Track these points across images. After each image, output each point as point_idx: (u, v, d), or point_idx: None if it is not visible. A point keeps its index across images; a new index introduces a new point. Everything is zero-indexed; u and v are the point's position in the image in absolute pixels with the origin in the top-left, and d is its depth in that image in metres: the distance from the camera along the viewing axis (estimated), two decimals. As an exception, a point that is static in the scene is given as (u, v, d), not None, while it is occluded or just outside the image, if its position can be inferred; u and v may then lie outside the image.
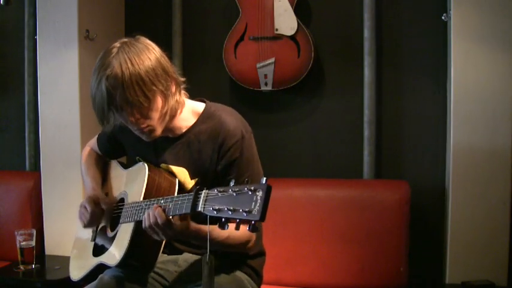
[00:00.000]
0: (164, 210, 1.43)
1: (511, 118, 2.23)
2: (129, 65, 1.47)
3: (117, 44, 1.53)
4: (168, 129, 1.64)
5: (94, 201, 1.72)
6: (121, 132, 1.78)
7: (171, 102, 1.56)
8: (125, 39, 1.56)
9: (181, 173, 1.65)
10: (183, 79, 1.62)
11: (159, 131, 1.58)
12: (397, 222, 2.34)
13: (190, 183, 1.64)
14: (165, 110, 1.55)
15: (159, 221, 1.42)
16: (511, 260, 2.25)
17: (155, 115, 1.53)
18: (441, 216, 2.47)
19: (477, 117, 2.25)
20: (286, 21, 2.55)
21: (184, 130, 1.66)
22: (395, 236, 2.33)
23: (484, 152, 2.25)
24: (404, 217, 2.34)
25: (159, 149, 1.69)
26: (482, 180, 2.26)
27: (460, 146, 2.27)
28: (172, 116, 1.60)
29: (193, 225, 1.48)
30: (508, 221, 2.25)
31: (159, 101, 1.52)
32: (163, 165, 1.67)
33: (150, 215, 1.44)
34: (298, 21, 2.55)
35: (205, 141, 1.63)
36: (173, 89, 1.57)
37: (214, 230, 1.47)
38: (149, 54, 1.52)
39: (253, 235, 1.63)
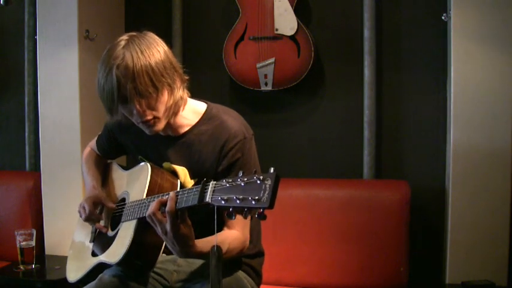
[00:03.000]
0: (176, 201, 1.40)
1: (511, 118, 2.23)
2: (140, 55, 1.49)
3: (125, 37, 1.54)
4: (170, 126, 1.65)
5: (93, 202, 1.72)
6: (121, 132, 1.78)
7: (176, 96, 1.57)
8: (133, 33, 1.57)
9: (182, 172, 1.65)
10: (186, 77, 1.63)
11: (162, 124, 1.58)
12: (397, 222, 2.34)
13: (190, 182, 1.64)
14: (170, 103, 1.56)
15: (167, 207, 1.38)
16: (511, 260, 2.26)
17: (161, 107, 1.54)
18: (441, 216, 2.47)
19: (477, 117, 2.25)
20: (286, 21, 2.55)
21: (185, 129, 1.67)
22: (395, 236, 2.33)
23: (484, 152, 2.25)
24: (404, 217, 2.34)
25: (161, 147, 1.69)
26: (482, 180, 2.26)
27: (460, 146, 2.27)
28: (176, 112, 1.61)
29: (197, 240, 1.45)
30: (508, 221, 2.25)
31: (165, 93, 1.54)
32: (165, 163, 1.67)
33: (155, 203, 1.41)
34: (298, 21, 2.55)
35: (206, 143, 1.63)
36: (178, 84, 1.58)
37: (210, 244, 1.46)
38: (158, 48, 1.54)
39: (247, 239, 1.63)
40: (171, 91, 1.55)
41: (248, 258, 1.74)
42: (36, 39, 2.78)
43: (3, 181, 2.94)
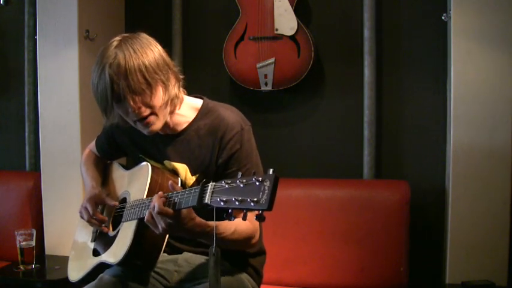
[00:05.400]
0: (167, 203, 1.42)
1: (511, 118, 2.23)
2: (132, 53, 1.50)
3: (118, 38, 1.56)
4: (168, 125, 1.65)
5: (95, 202, 1.72)
6: (120, 132, 1.78)
7: (171, 93, 1.58)
8: (126, 34, 1.58)
9: (182, 170, 1.66)
10: (182, 76, 1.63)
11: (160, 122, 1.58)
12: (397, 222, 2.34)
13: (191, 179, 1.65)
14: (165, 101, 1.56)
15: (162, 211, 1.40)
16: (511, 260, 2.26)
17: (156, 104, 1.54)
18: (441, 216, 2.47)
19: (477, 117, 2.25)
20: (286, 21, 2.55)
21: (183, 126, 1.67)
22: (395, 236, 2.33)
23: (484, 152, 2.25)
24: (404, 217, 2.34)
25: (160, 146, 1.70)
26: (482, 180, 2.26)
27: (460, 146, 2.27)
28: (172, 110, 1.61)
29: (199, 219, 1.47)
30: (508, 221, 2.25)
31: (160, 90, 1.54)
32: (166, 161, 1.68)
33: (152, 204, 1.43)
34: (298, 21, 2.55)
35: (204, 137, 1.64)
36: (173, 81, 1.58)
37: (220, 224, 1.48)
38: (151, 47, 1.55)
39: (257, 232, 1.63)
40: (166, 88, 1.55)
41: (249, 257, 1.74)
42: (36, 39, 2.78)
43: (3, 181, 2.93)
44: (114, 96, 1.51)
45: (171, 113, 1.61)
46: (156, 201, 1.41)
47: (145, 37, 1.57)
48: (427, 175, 2.57)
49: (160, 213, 1.40)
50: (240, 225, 1.54)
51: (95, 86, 1.54)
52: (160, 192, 1.44)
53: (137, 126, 1.59)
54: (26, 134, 3.09)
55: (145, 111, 1.54)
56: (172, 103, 1.59)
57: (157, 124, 1.58)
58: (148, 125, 1.57)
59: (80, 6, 2.59)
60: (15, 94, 3.15)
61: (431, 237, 2.54)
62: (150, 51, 1.53)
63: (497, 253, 2.24)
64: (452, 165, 2.29)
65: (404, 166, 2.62)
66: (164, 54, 1.58)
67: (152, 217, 1.43)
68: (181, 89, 1.64)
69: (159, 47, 1.58)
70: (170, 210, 1.40)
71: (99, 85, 1.52)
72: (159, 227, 1.43)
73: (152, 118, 1.56)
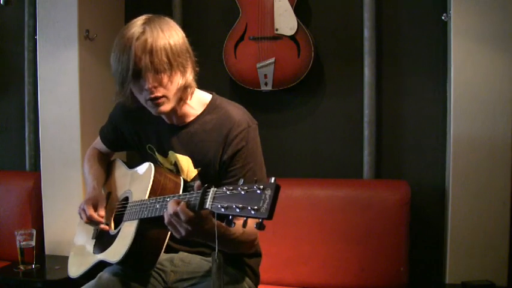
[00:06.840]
0: (188, 205, 1.38)
1: (511, 118, 2.23)
2: (160, 33, 1.52)
3: (144, 17, 1.59)
4: (176, 114, 1.65)
5: (93, 204, 1.72)
6: (126, 122, 1.77)
7: (188, 80, 1.59)
8: (151, 15, 1.60)
9: (185, 161, 1.66)
10: (197, 68, 1.64)
11: (170, 105, 1.58)
12: (397, 222, 2.34)
13: (193, 172, 1.66)
14: (181, 85, 1.57)
15: (183, 215, 1.37)
16: (511, 260, 2.26)
17: (172, 87, 1.55)
18: (441, 216, 2.47)
19: (477, 117, 2.25)
20: (286, 21, 2.55)
21: (190, 119, 1.68)
22: (395, 236, 2.33)
23: (484, 152, 2.25)
24: (404, 217, 2.34)
25: (165, 136, 1.70)
26: (482, 180, 2.26)
27: (460, 146, 2.28)
28: (184, 99, 1.62)
29: (215, 220, 1.45)
30: (508, 221, 2.25)
31: (178, 73, 1.56)
32: (170, 152, 1.68)
33: (171, 209, 1.39)
34: (298, 21, 2.55)
35: (210, 132, 1.64)
36: (190, 69, 1.60)
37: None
38: (177, 31, 1.58)
39: (257, 233, 1.64)
40: (184, 73, 1.57)
41: (246, 258, 1.74)
42: (36, 39, 2.78)
43: (3, 181, 2.94)
44: (135, 71, 1.51)
45: (183, 101, 1.62)
46: (178, 204, 1.38)
47: (171, 20, 1.60)
48: (427, 175, 2.57)
49: (183, 213, 1.37)
50: (249, 225, 1.54)
51: (117, 57, 1.54)
52: (176, 198, 1.43)
53: (147, 105, 1.59)
54: (26, 134, 3.09)
55: (160, 92, 1.54)
56: (186, 91, 1.60)
57: (167, 106, 1.57)
58: (158, 105, 1.56)
59: (80, 6, 2.59)
60: (15, 94, 3.15)
61: (432, 237, 2.54)
62: (176, 34, 1.56)
63: (497, 253, 2.25)
64: (452, 165, 2.29)
65: (404, 166, 2.62)
66: (186, 42, 1.60)
67: (172, 220, 1.40)
68: (194, 80, 1.64)
69: (183, 33, 1.60)
70: (190, 212, 1.37)
71: (122, 57, 1.52)
72: (182, 228, 1.39)
73: (164, 99, 1.56)
